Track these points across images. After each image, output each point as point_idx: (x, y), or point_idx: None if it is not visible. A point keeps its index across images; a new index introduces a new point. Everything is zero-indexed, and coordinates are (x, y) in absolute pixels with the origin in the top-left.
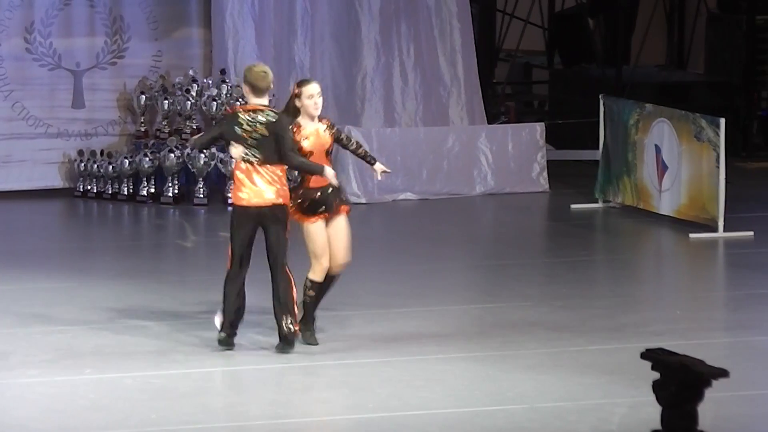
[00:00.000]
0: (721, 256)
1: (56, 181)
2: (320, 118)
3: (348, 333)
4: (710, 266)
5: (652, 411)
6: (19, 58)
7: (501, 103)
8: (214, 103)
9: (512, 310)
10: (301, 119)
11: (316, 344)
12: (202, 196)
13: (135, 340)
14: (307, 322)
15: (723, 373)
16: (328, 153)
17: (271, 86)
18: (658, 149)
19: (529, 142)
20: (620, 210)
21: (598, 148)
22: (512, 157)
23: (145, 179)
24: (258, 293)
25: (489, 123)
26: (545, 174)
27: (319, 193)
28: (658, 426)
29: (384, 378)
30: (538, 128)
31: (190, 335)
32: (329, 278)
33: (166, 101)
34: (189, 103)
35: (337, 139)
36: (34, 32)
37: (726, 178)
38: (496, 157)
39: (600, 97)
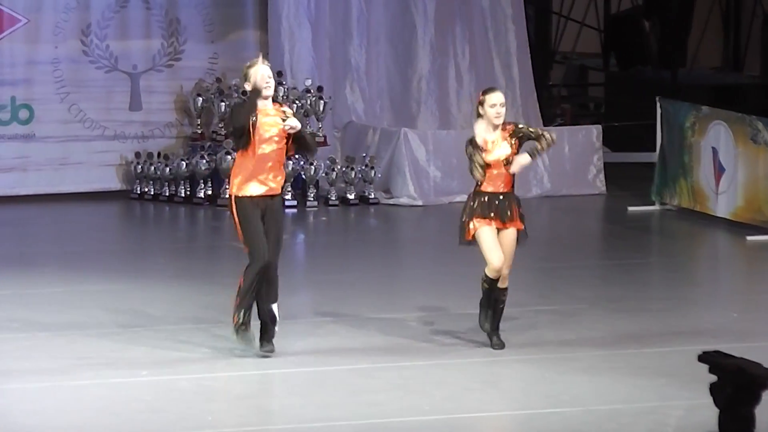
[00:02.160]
0: None
1: (113, 183)
2: (504, 126)
3: (402, 335)
4: (767, 268)
5: (708, 414)
6: (76, 60)
7: (557, 105)
8: None
9: (567, 313)
10: (485, 130)
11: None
12: None
13: (191, 341)
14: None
15: None
16: (507, 163)
17: None
18: (714, 151)
19: (585, 145)
20: (676, 212)
21: (654, 150)
22: (568, 159)
23: (201, 181)
24: (309, 296)
25: (545, 125)
26: (602, 176)
27: (486, 198)
28: (715, 429)
29: (439, 380)
30: (595, 130)
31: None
32: (496, 291)
33: (223, 103)
34: None
35: (524, 137)
36: (91, 34)
37: None
38: (552, 159)
39: (657, 99)
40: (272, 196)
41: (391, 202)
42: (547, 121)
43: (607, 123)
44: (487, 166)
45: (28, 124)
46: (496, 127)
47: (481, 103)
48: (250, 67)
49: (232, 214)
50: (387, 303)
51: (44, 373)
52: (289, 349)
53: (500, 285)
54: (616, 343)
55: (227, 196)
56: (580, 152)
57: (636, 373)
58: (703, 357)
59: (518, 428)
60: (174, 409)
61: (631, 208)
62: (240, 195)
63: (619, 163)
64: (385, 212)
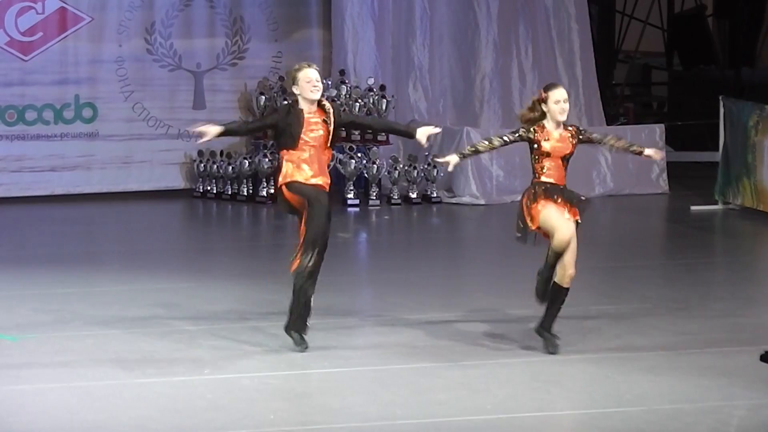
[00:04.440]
0: None
1: (176, 181)
2: (566, 126)
3: (465, 334)
4: None
5: None
6: (140, 59)
7: (620, 104)
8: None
9: (630, 312)
10: (547, 123)
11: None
12: None
13: (253, 340)
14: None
15: None
16: (565, 159)
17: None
18: None
19: (648, 144)
20: (739, 212)
21: (717, 149)
22: (631, 158)
23: (264, 180)
24: (371, 295)
25: (608, 124)
26: (665, 176)
27: (548, 186)
28: None
29: (502, 379)
30: (658, 130)
31: (308, 336)
32: (559, 290)
33: (286, 102)
34: None
35: (588, 141)
36: (155, 33)
37: None
38: (615, 158)
39: (720, 98)
40: None
41: (453, 201)
42: (610, 120)
43: (671, 122)
44: (547, 155)
45: (92, 122)
46: (558, 124)
47: (544, 100)
48: (298, 70)
49: None
50: (450, 302)
51: (108, 370)
52: (351, 347)
53: (565, 285)
54: (679, 342)
55: None
56: None
57: (699, 373)
58: (766, 357)
59: (581, 427)
60: (236, 407)
61: (694, 208)
62: None
63: (683, 163)
64: (447, 211)
